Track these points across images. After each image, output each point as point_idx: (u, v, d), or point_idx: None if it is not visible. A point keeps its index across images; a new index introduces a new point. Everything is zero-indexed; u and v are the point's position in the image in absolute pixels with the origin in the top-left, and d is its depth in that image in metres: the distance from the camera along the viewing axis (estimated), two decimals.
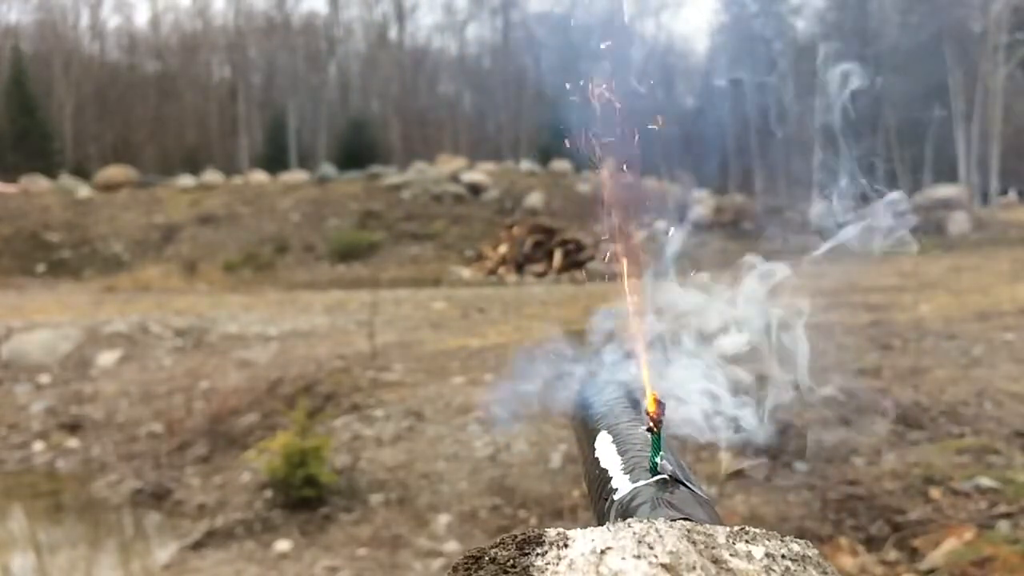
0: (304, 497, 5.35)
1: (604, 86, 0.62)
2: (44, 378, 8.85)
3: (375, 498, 5.38)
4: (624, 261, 0.62)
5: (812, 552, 0.47)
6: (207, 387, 7.90)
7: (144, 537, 5.94)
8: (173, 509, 6.02)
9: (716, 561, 0.44)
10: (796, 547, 0.46)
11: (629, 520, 0.47)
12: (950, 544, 3.86)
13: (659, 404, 0.60)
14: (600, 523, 0.53)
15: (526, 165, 28.60)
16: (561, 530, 0.47)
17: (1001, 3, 28.87)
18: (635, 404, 0.72)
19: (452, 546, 4.75)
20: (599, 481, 0.61)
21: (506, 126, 45.47)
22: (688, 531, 0.46)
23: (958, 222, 22.44)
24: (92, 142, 41.54)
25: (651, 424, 0.60)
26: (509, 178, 25.74)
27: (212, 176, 28.14)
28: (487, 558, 0.46)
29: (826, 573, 0.46)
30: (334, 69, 49.39)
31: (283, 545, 5.00)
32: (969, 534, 3.94)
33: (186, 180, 27.75)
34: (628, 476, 0.59)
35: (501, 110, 46.13)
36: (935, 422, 5.57)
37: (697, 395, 0.68)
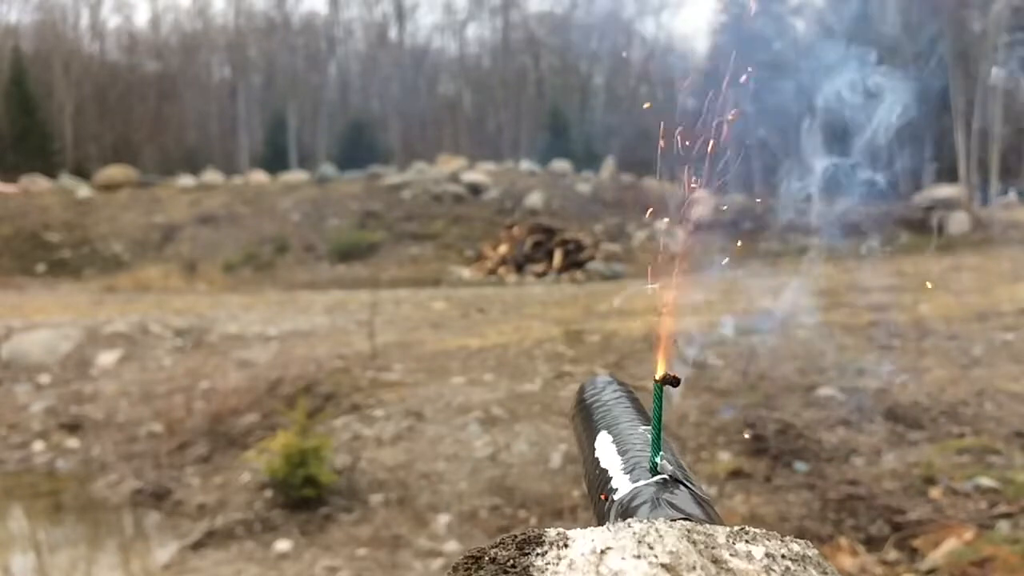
0: (304, 497, 5.35)
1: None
2: (44, 378, 8.85)
3: (375, 498, 5.38)
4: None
5: (812, 552, 0.47)
6: (207, 387, 7.90)
7: (144, 537, 5.94)
8: (173, 509, 6.02)
9: (716, 561, 0.44)
10: (796, 547, 0.46)
11: (629, 520, 0.47)
12: (950, 544, 3.86)
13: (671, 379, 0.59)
14: (600, 523, 0.53)
15: (526, 165, 28.59)
16: (561, 530, 0.47)
17: (1001, 3, 28.89)
18: (635, 403, 0.72)
19: (452, 546, 4.75)
20: (599, 481, 0.61)
21: (506, 126, 45.46)
22: (688, 531, 0.46)
23: (958, 222, 22.44)
24: (92, 142, 41.52)
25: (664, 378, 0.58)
26: (509, 178, 25.72)
27: (212, 176, 28.14)
28: (487, 558, 0.46)
29: (826, 573, 0.46)
30: (334, 69, 49.39)
31: (283, 545, 5.00)
32: (969, 534, 3.95)
33: (186, 180, 27.76)
34: (628, 476, 0.59)
35: (501, 110, 46.12)
36: (935, 422, 5.57)
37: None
